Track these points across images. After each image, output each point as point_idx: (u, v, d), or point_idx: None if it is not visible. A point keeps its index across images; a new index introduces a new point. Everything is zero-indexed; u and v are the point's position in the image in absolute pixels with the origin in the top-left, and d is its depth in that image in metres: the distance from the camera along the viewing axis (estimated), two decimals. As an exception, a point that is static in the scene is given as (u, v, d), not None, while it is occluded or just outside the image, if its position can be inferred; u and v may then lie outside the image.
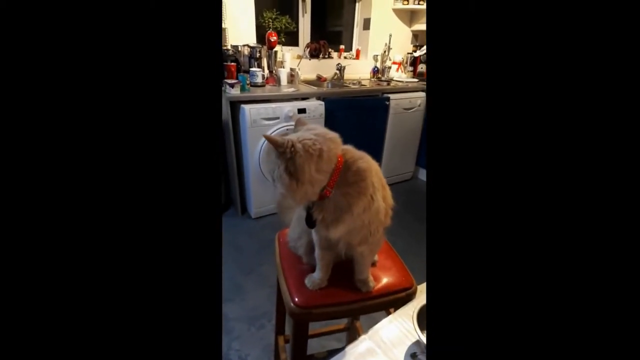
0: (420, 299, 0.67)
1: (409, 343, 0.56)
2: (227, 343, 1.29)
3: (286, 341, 1.07)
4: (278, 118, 1.93)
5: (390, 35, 2.75)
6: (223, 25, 2.12)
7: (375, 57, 2.78)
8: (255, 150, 1.95)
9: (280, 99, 1.98)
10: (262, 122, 1.89)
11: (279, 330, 1.07)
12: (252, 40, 2.28)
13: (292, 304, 0.65)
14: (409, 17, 2.91)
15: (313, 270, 0.70)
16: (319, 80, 2.56)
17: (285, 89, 2.11)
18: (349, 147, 0.60)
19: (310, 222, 0.60)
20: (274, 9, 2.37)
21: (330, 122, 2.15)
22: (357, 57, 2.83)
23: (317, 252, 0.67)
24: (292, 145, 0.52)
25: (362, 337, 0.58)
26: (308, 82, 2.43)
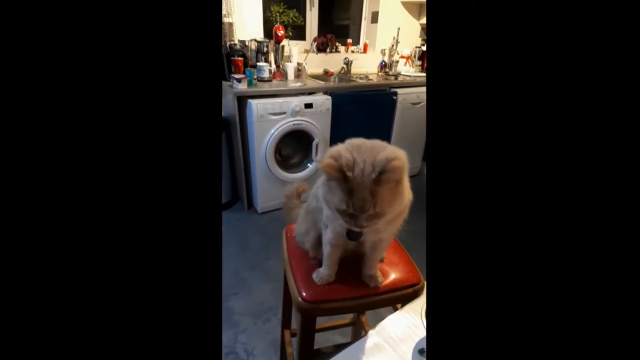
0: (429, 295, 0.66)
1: (417, 339, 0.56)
2: (233, 336, 1.30)
3: (292, 335, 1.07)
4: (285, 113, 1.93)
5: (399, 29, 2.71)
6: (230, 20, 2.11)
7: (382, 51, 2.75)
8: (261, 145, 1.95)
9: (287, 94, 1.97)
10: (269, 117, 1.89)
11: (285, 324, 1.08)
12: (259, 34, 2.27)
13: (299, 299, 0.65)
14: (417, 10, 2.87)
15: (320, 264, 0.69)
16: (326, 74, 2.55)
17: (292, 83, 2.10)
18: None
19: (355, 234, 0.57)
20: (281, 3, 2.35)
21: (337, 116, 2.14)
22: (365, 51, 2.80)
23: (326, 249, 0.66)
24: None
25: (370, 332, 0.58)
26: (315, 77, 2.42)
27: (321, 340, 1.26)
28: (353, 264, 0.69)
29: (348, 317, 1.20)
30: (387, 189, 0.48)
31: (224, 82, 1.99)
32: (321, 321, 1.18)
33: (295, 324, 1.11)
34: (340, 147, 0.53)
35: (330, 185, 0.51)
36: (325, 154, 0.53)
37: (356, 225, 0.51)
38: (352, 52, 2.75)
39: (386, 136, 2.47)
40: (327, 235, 0.65)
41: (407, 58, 2.83)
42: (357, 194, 0.48)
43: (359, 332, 1.15)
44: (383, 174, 0.47)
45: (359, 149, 0.50)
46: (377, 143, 0.53)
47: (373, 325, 0.60)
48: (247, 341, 1.29)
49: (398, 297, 0.69)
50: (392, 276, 0.70)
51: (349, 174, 0.47)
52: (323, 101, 2.04)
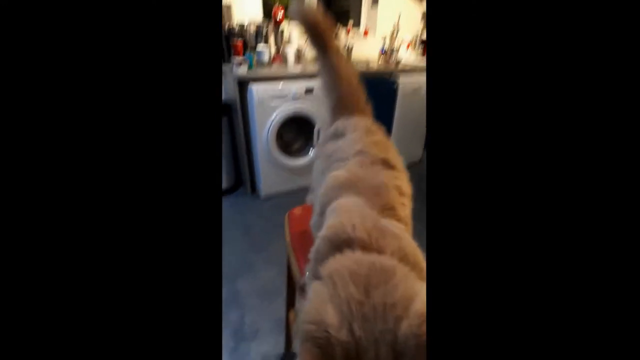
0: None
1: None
2: (240, 317, 1.34)
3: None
4: (286, 97, 1.92)
5: (399, 15, 2.66)
6: (228, 2, 2.07)
7: (383, 38, 2.71)
8: (263, 129, 1.94)
9: (287, 78, 1.95)
10: (270, 101, 1.88)
11: (290, 303, 1.11)
12: (258, 16, 2.23)
13: (302, 282, 0.67)
14: (419, -6, 2.82)
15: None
16: (327, 59, 2.51)
17: (293, 68, 2.08)
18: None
19: None
20: (281, -15, 2.30)
21: (339, 102, 2.12)
22: (365, 35, 2.76)
23: None
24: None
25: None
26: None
27: (325, 320, 1.29)
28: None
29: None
30: None
31: (224, 64, 1.97)
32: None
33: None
34: (321, 302, 0.29)
35: None
36: (298, 321, 0.30)
37: None
38: (353, 36, 2.70)
39: (387, 123, 2.46)
40: None
41: (409, 44, 2.80)
42: None
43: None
44: None
45: (360, 311, 0.28)
46: (387, 285, 0.30)
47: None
48: (253, 321, 1.32)
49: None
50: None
51: None
52: (324, 86, 2.02)
